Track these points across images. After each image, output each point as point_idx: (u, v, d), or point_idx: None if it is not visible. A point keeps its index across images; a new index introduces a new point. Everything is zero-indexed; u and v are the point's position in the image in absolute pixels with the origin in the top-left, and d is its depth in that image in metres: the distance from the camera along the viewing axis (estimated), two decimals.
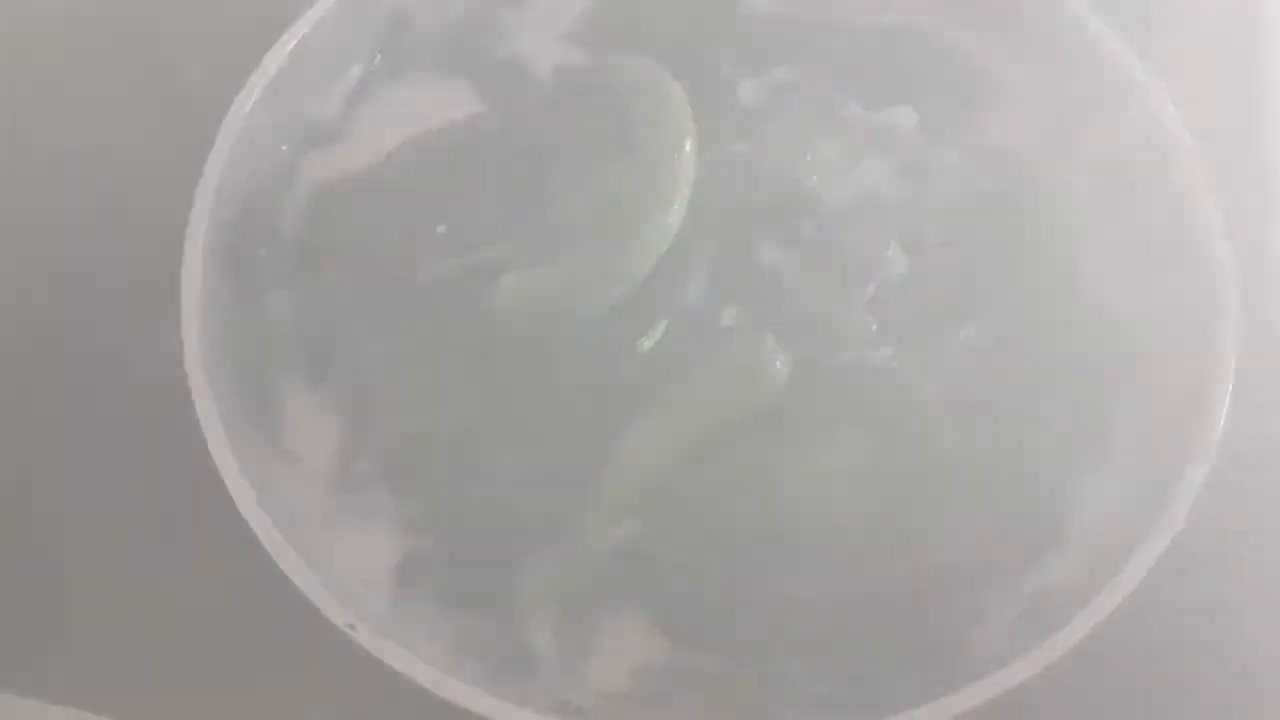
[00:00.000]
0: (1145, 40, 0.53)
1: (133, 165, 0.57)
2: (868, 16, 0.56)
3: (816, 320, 0.48)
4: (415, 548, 0.47)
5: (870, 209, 0.50)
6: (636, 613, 0.46)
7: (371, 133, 0.54)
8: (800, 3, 0.56)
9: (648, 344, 0.46)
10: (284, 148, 0.53)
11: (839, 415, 0.47)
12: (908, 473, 0.47)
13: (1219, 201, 0.50)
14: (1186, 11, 0.61)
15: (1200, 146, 0.51)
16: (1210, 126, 0.51)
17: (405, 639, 0.44)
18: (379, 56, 0.56)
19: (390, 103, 0.55)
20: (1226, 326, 0.48)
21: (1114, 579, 0.44)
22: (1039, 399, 0.49)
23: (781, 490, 0.47)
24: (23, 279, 0.58)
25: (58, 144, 0.59)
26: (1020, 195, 0.53)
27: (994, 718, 0.42)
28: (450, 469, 0.48)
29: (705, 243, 0.48)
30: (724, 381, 0.47)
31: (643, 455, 0.47)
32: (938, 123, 0.53)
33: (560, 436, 0.48)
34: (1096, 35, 0.53)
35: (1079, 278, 0.52)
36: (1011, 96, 0.55)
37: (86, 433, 0.54)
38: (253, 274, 0.51)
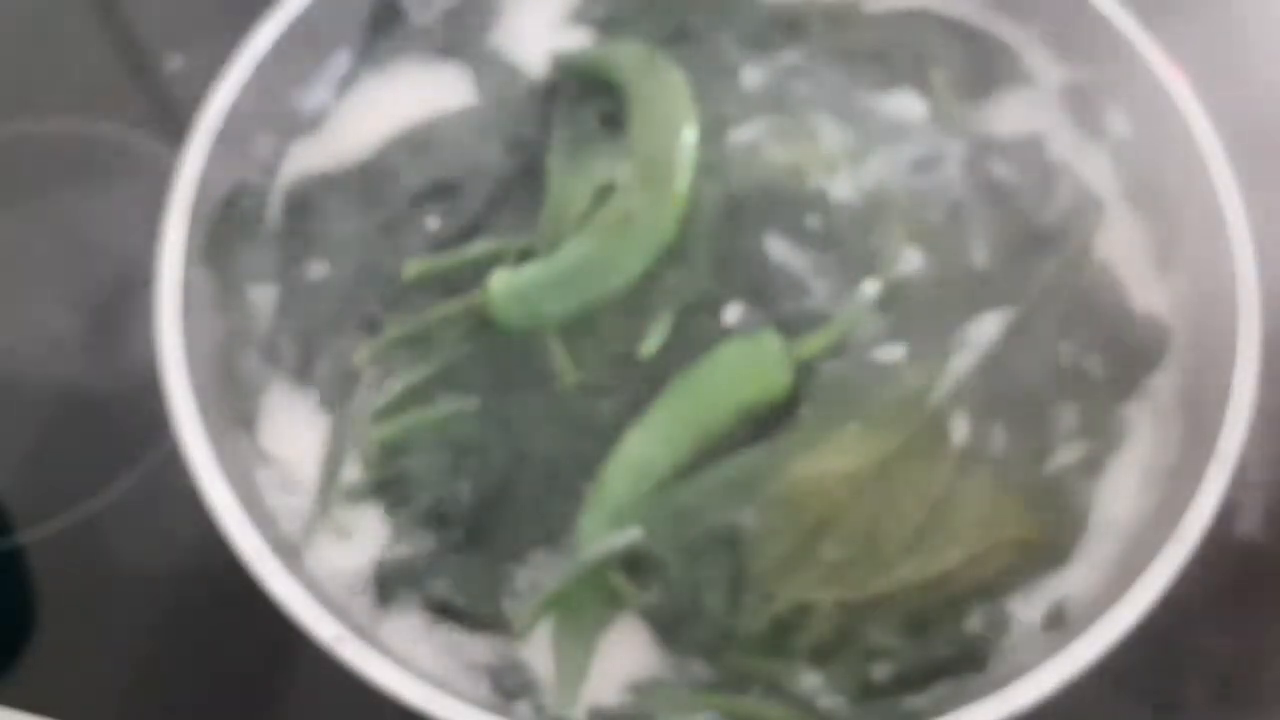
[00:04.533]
0: (1164, 26, 0.51)
1: (107, 155, 0.57)
2: None
3: (824, 318, 0.46)
4: (403, 557, 0.46)
5: (879, 202, 0.48)
6: (634, 624, 0.45)
7: (358, 123, 0.53)
8: None
9: (650, 347, 0.45)
10: (267, 139, 0.52)
11: (848, 417, 0.46)
12: (920, 477, 0.46)
13: (1240, 190, 0.48)
14: None
15: (1221, 134, 0.49)
16: (1231, 114, 0.50)
17: (392, 653, 0.42)
18: (367, 44, 0.55)
19: (378, 92, 0.54)
20: (1250, 321, 0.46)
21: (1137, 586, 0.42)
22: (1056, 399, 0.48)
23: (788, 494, 0.45)
24: None
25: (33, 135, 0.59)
26: (1036, 186, 0.51)
27: None
28: (440, 474, 0.46)
29: (707, 236, 0.47)
30: (727, 382, 0.46)
31: (643, 459, 0.45)
32: (950, 111, 0.52)
33: (556, 439, 0.47)
34: (1115, 20, 0.52)
35: (1097, 271, 0.50)
36: (1027, 84, 0.54)
37: (60, 436, 0.54)
38: (233, 270, 0.50)
